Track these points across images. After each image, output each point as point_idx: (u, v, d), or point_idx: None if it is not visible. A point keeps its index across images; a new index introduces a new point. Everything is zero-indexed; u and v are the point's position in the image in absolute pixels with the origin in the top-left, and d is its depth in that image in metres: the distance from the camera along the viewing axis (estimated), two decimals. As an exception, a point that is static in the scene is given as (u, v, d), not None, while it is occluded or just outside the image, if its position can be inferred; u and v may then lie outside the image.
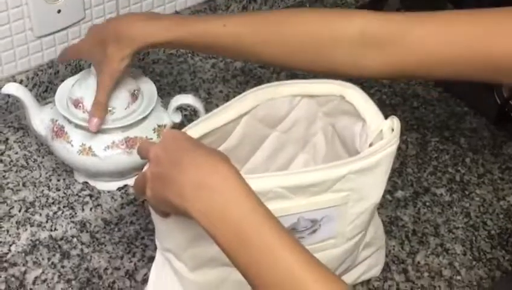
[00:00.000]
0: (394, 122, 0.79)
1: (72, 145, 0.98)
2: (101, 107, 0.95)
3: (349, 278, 0.91)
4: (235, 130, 0.85)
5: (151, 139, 0.99)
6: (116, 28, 0.93)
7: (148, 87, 1.02)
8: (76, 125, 0.97)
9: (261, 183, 0.73)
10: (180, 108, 1.02)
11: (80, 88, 0.98)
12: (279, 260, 0.64)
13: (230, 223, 0.65)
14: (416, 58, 0.82)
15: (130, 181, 0.74)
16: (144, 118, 0.99)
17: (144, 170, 0.73)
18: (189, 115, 1.13)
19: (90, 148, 0.97)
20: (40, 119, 1.00)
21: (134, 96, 0.99)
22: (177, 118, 1.02)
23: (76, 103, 0.97)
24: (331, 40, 0.85)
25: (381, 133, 0.79)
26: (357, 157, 0.78)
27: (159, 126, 1.01)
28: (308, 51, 0.86)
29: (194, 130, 0.80)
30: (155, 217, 0.78)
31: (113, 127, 0.97)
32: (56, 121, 0.99)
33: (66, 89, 1.00)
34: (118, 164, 0.98)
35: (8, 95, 1.09)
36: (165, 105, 1.03)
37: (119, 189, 1.03)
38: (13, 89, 0.99)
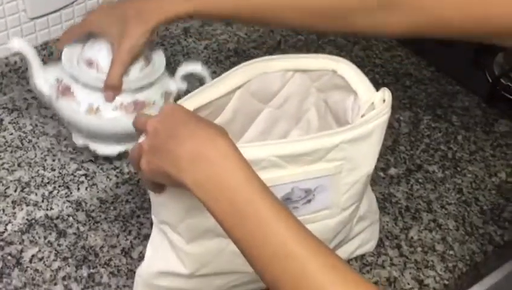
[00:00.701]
0: (385, 93, 0.80)
1: (79, 105, 0.98)
2: (117, 82, 0.96)
3: (344, 253, 0.92)
4: (229, 105, 0.86)
5: (159, 104, 1.00)
6: (135, 2, 0.93)
7: (158, 54, 1.03)
8: (85, 85, 0.97)
9: (255, 152, 0.74)
10: (187, 76, 1.03)
11: (93, 49, 0.98)
12: (273, 233, 0.64)
13: (226, 194, 0.66)
14: (429, 18, 0.86)
15: (130, 147, 0.74)
16: (154, 83, 1.00)
17: (139, 140, 0.73)
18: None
19: (97, 108, 0.97)
20: (44, 78, 1.00)
21: (147, 61, 1.00)
22: (184, 86, 1.04)
23: (90, 62, 0.98)
24: (350, 3, 0.89)
25: (372, 105, 0.80)
26: (350, 126, 0.79)
27: (167, 92, 1.02)
28: (329, 14, 0.90)
29: (188, 103, 0.80)
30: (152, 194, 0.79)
31: (124, 88, 0.97)
32: (62, 80, 0.99)
33: (74, 50, 1.00)
34: (124, 127, 0.97)
35: (2, 76, 1.09)
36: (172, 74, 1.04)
37: (114, 168, 1.04)
38: (17, 44, 0.98)
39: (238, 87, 0.85)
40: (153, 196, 0.79)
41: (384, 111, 0.79)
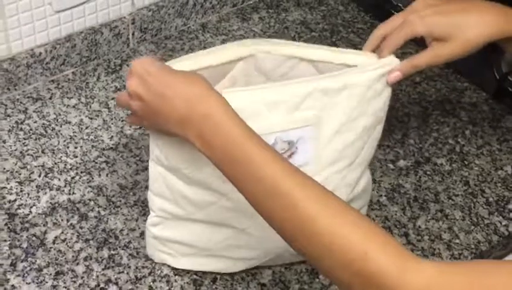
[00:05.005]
0: (373, 57, 0.86)
1: None
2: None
3: None
4: (230, 73, 0.89)
5: None
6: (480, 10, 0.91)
7: None
8: None
9: (235, 98, 0.78)
10: None
11: None
12: (262, 173, 0.70)
13: (217, 143, 0.73)
14: None
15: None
16: None
17: (126, 87, 0.79)
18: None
19: None
20: None
21: None
22: None
23: None
24: None
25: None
26: (321, 76, 0.84)
27: None
28: None
29: (186, 64, 0.83)
30: (152, 134, 0.85)
31: None
32: None
33: None
34: None
35: (28, 67, 1.14)
36: None
37: (134, 156, 1.08)
38: None
39: (240, 59, 0.88)
40: (155, 139, 0.84)
41: (365, 69, 0.84)
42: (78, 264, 0.94)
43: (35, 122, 1.12)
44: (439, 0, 0.90)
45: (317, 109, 0.84)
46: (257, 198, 0.71)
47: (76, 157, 1.08)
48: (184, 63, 0.84)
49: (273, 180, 0.70)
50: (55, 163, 1.07)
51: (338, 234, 0.66)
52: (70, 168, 1.06)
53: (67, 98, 1.16)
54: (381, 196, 1.06)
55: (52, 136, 1.11)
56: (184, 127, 0.75)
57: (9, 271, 0.93)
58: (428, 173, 1.11)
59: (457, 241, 1.02)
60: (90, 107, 1.15)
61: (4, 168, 1.05)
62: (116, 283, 0.93)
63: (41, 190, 1.03)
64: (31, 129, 1.11)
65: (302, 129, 0.84)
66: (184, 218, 0.89)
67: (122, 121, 1.13)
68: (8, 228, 0.97)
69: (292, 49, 0.89)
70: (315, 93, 0.83)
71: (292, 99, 0.82)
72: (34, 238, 0.97)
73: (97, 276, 0.93)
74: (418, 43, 0.92)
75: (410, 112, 1.20)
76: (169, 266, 0.95)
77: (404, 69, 0.89)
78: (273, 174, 0.70)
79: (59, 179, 1.05)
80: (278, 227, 0.71)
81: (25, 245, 0.96)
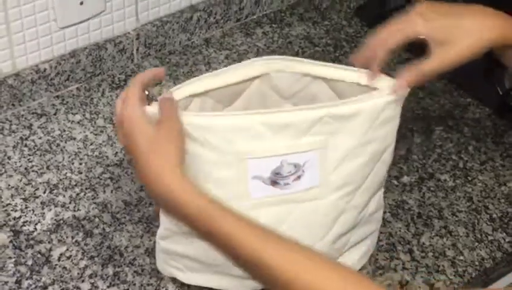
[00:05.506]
0: (385, 82, 0.85)
1: None
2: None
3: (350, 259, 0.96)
4: (245, 92, 0.89)
5: None
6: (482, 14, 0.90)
7: None
8: None
9: (243, 119, 0.79)
10: None
11: None
12: (238, 245, 0.70)
13: (188, 222, 0.74)
14: None
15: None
16: None
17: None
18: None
19: None
20: None
21: None
22: None
23: None
24: None
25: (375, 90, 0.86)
26: (335, 102, 0.83)
27: None
28: None
29: (195, 86, 0.84)
30: None
31: None
32: None
33: None
34: None
35: (32, 83, 1.14)
36: None
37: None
38: None
39: (256, 78, 0.88)
40: None
41: (376, 96, 0.84)
42: (83, 281, 0.94)
43: (40, 138, 1.13)
44: (441, 4, 0.89)
45: (327, 133, 0.83)
46: (240, 266, 0.73)
47: (81, 173, 1.08)
48: (192, 86, 0.84)
49: (252, 252, 0.70)
50: (60, 179, 1.07)
51: None
52: (75, 185, 1.06)
53: (72, 113, 1.17)
54: (385, 212, 1.06)
55: (57, 152, 1.11)
56: (153, 196, 0.77)
57: (14, 289, 0.93)
58: (432, 189, 1.11)
59: (461, 257, 1.02)
60: (95, 123, 1.16)
61: (9, 185, 1.05)
62: (122, 301, 0.93)
63: (46, 206, 1.03)
64: (35, 145, 1.12)
65: (309, 153, 0.84)
66: (191, 232, 0.89)
67: (127, 136, 1.13)
68: (13, 245, 0.98)
69: (305, 67, 0.89)
70: (326, 119, 0.82)
71: (302, 125, 0.82)
72: (39, 255, 0.97)
73: (102, 293, 0.94)
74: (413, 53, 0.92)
75: (413, 128, 1.21)
76: (174, 283, 0.95)
77: (411, 78, 0.87)
78: (251, 246, 0.70)
79: (64, 196, 1.05)
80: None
81: (30, 262, 0.96)
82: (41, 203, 1.04)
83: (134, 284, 0.95)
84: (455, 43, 0.86)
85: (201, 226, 0.72)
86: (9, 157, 1.09)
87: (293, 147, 0.82)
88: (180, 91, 0.84)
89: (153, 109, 0.79)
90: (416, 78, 0.87)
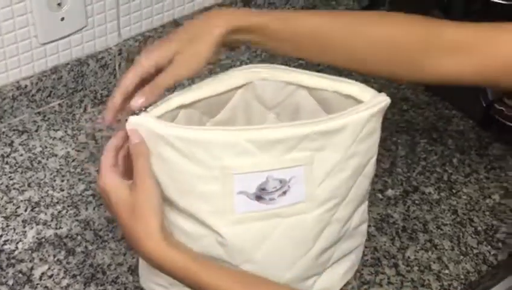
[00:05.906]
0: (370, 95, 0.86)
1: None
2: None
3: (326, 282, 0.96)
4: (230, 103, 0.89)
5: None
6: (206, 17, 0.89)
7: None
8: None
9: (229, 135, 0.79)
10: None
11: None
12: None
13: (179, 278, 0.78)
14: (501, 67, 0.85)
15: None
16: None
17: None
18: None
19: None
20: None
21: None
22: None
23: None
24: (423, 48, 0.87)
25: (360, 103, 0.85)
26: (321, 118, 0.83)
27: None
28: (393, 56, 0.89)
29: (182, 98, 0.83)
30: None
31: None
32: None
33: None
34: None
35: (13, 99, 1.13)
36: None
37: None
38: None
39: (238, 87, 0.88)
40: None
41: (360, 109, 0.84)
42: (65, 300, 0.94)
43: (21, 155, 1.12)
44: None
45: (313, 150, 0.83)
46: None
47: (63, 190, 1.07)
48: (180, 97, 0.83)
49: None
50: (42, 197, 1.06)
51: None
52: (57, 202, 1.05)
53: (54, 130, 1.16)
54: (370, 226, 1.06)
55: (39, 169, 1.10)
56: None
57: (-5, 309, 0.92)
58: (416, 202, 1.11)
59: (446, 271, 1.02)
60: (77, 139, 1.15)
61: (-10, 203, 1.04)
62: (104, 320, 0.92)
63: (28, 224, 1.02)
64: (17, 163, 1.11)
65: (295, 168, 0.83)
66: None
67: (109, 153, 1.13)
68: (-6, 264, 0.97)
69: (289, 76, 0.89)
70: (312, 135, 0.82)
71: (289, 142, 0.81)
72: (20, 275, 0.96)
73: (84, 313, 0.92)
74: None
75: (398, 140, 1.21)
76: (157, 301, 0.94)
77: (151, 94, 0.83)
78: None
79: (45, 214, 1.04)
80: None
81: (10, 282, 0.95)
82: (22, 221, 1.02)
83: (117, 303, 0.94)
84: (183, 54, 0.85)
85: (189, 282, 0.77)
86: (-10, 175, 1.08)
87: (279, 163, 0.82)
88: (166, 104, 0.83)
89: (138, 118, 0.80)
90: (154, 93, 0.83)
